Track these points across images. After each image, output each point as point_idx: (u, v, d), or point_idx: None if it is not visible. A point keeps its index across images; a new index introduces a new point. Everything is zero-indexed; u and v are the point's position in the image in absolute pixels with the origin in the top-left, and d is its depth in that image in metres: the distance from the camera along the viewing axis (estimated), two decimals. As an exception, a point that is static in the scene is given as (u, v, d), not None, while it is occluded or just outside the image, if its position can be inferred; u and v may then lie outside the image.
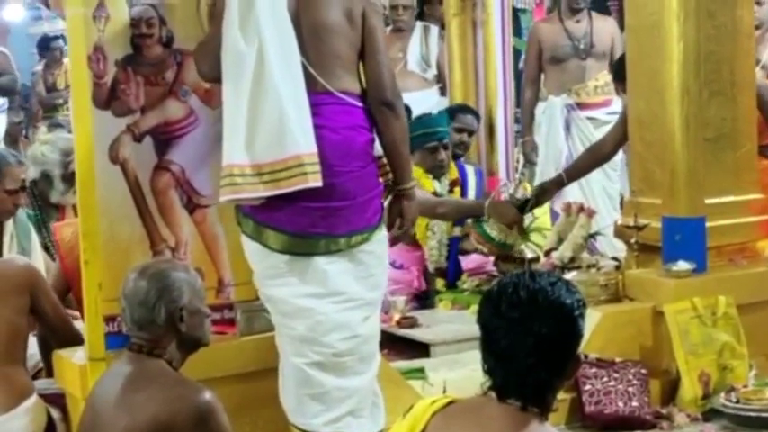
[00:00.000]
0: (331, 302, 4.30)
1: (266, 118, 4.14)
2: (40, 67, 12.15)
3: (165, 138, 4.57)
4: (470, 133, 6.95)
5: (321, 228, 4.25)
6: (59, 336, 4.70)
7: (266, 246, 4.29)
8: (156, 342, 3.33)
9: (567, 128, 7.38)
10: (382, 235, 4.44)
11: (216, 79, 4.31)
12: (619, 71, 6.28)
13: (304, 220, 4.24)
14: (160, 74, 4.54)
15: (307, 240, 4.26)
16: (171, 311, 3.34)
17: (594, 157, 6.37)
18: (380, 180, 4.46)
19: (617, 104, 7.38)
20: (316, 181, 4.15)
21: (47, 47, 11.99)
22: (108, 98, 4.47)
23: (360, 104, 4.34)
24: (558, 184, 6.33)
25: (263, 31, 4.15)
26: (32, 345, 4.78)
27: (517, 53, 10.42)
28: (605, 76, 7.41)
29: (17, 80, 11.18)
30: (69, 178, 5.42)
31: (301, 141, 4.14)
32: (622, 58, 6.18)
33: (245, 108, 4.16)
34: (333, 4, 4.31)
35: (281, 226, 4.25)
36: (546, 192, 6.26)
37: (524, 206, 5.94)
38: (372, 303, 4.44)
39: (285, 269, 4.29)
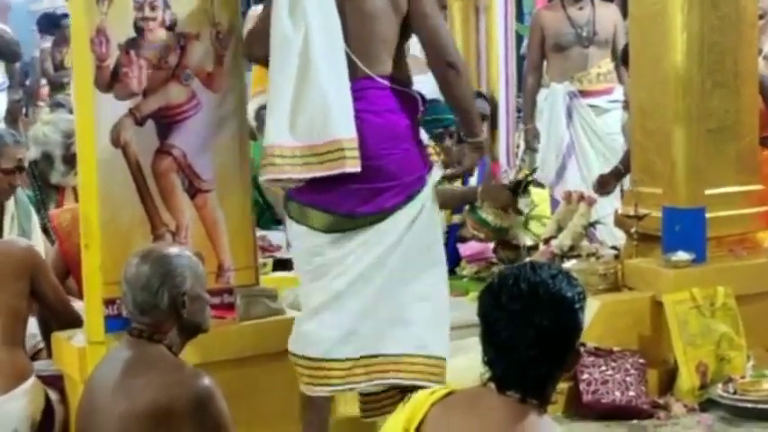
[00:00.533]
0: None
1: (309, 103, 4.28)
2: (48, 45, 12.11)
3: (166, 121, 4.56)
4: (482, 117, 6.91)
5: (368, 207, 4.36)
6: (59, 318, 4.71)
7: (311, 227, 4.40)
8: (157, 327, 3.33)
9: (569, 115, 7.37)
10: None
11: (264, 60, 4.44)
12: (626, 57, 6.28)
13: (350, 201, 4.35)
14: (163, 57, 4.54)
15: (353, 219, 4.37)
16: (173, 297, 3.34)
17: None
18: (426, 163, 4.57)
19: (619, 92, 7.38)
20: (354, 166, 4.27)
21: (56, 24, 11.93)
22: (110, 81, 4.46)
23: (401, 89, 4.45)
24: (616, 175, 6.39)
25: (310, 19, 4.29)
26: (31, 325, 4.78)
27: (520, 38, 10.40)
28: (608, 64, 7.40)
29: (19, 43, 11.12)
30: (70, 160, 5.41)
31: (342, 126, 4.27)
32: (627, 47, 6.18)
33: (289, 92, 4.29)
34: None
35: (327, 206, 4.37)
36: (604, 182, 6.36)
37: (517, 188, 5.92)
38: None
39: (327, 248, 4.40)
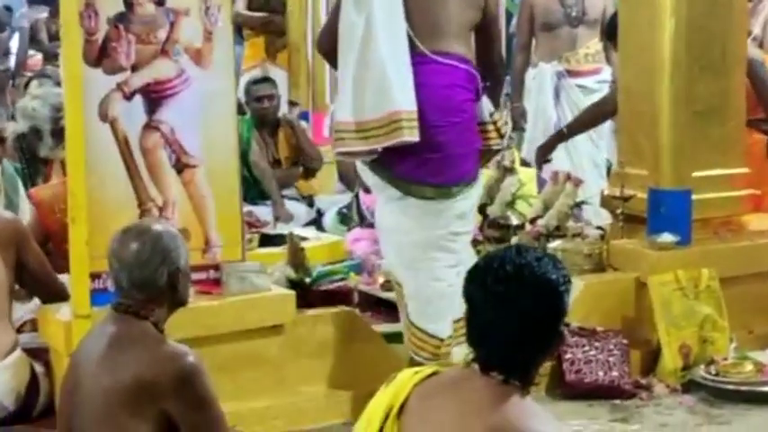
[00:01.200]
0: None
1: (370, 81, 4.62)
2: (43, 15, 12.06)
3: (155, 97, 4.56)
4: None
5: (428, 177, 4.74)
6: (45, 290, 4.71)
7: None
8: (148, 303, 3.34)
9: (557, 95, 7.37)
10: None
11: (332, 55, 4.77)
12: (610, 31, 6.31)
13: (420, 171, 4.73)
14: (152, 32, 4.54)
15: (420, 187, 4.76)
16: (171, 273, 3.35)
17: (598, 113, 6.43)
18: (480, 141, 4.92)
19: (607, 73, 7.37)
20: (412, 136, 4.60)
21: None
22: (99, 55, 4.46)
23: (462, 66, 4.78)
24: (559, 136, 6.54)
25: (373, 3, 4.60)
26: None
27: (509, 16, 10.40)
28: (596, 45, 7.40)
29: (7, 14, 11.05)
30: (59, 134, 5.39)
31: (400, 99, 4.60)
32: (614, 18, 6.19)
33: (351, 72, 4.65)
34: None
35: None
36: (545, 147, 6.53)
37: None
38: None
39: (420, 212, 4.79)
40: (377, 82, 4.59)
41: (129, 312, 3.34)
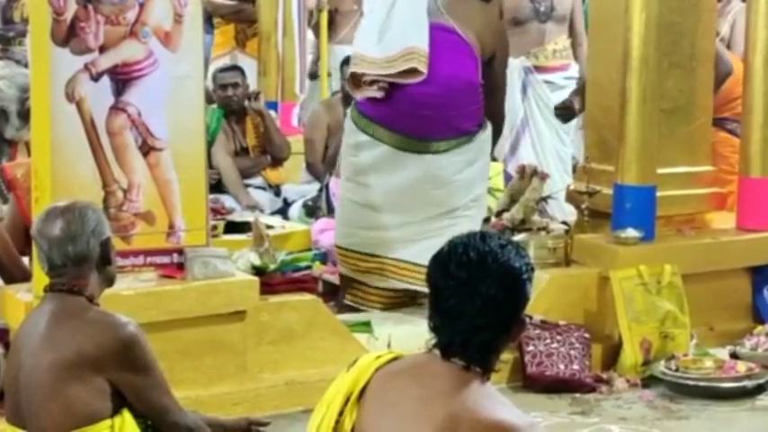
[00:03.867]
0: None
1: (391, 30, 5.43)
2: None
3: (122, 78, 4.55)
4: None
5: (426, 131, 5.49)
6: (7, 271, 4.68)
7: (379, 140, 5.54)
8: (80, 279, 3.35)
9: (524, 90, 7.37)
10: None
11: None
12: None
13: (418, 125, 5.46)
14: (121, 13, 4.52)
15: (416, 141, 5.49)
16: (102, 244, 3.37)
17: None
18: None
19: (574, 69, 7.38)
20: (422, 66, 5.33)
21: None
22: (67, 35, 4.44)
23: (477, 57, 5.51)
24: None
25: None
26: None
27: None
28: (564, 41, 7.40)
29: None
30: (25, 115, 5.35)
31: (415, 39, 5.37)
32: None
33: (380, 20, 5.48)
34: None
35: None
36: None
37: None
38: None
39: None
40: (398, 33, 5.40)
41: (64, 290, 3.34)
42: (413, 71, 5.35)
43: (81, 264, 3.34)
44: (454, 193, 5.58)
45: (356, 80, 5.55)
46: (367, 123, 5.56)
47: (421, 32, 5.39)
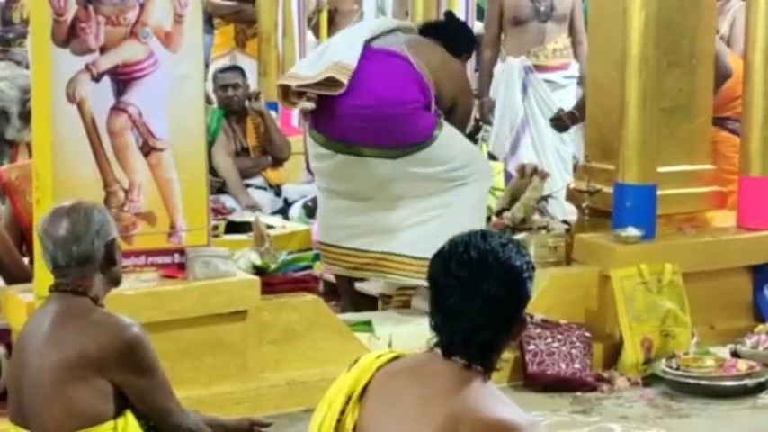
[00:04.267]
0: None
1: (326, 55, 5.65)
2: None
3: (123, 79, 4.55)
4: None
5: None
6: (7, 271, 4.69)
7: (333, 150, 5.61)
8: (85, 280, 3.35)
9: (524, 89, 7.38)
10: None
11: None
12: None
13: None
14: (122, 14, 4.52)
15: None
16: (107, 245, 3.37)
17: None
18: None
19: (574, 68, 7.40)
20: (343, 77, 5.45)
21: None
22: (67, 36, 4.45)
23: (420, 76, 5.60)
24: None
25: None
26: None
27: (480, 10, 10.38)
28: (564, 40, 7.41)
29: None
30: (26, 116, 5.35)
31: (344, 55, 5.55)
32: None
33: (323, 45, 5.97)
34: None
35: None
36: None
37: None
38: None
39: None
40: (334, 49, 5.66)
41: (68, 291, 3.35)
42: (334, 82, 5.46)
43: (85, 264, 3.35)
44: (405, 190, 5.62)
45: (285, 92, 5.69)
46: (317, 136, 5.67)
47: (352, 51, 5.56)
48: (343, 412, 2.81)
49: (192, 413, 3.49)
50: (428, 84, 5.59)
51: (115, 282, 3.47)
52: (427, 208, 5.59)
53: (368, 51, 5.66)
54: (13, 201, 4.97)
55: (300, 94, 5.59)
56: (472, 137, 7.22)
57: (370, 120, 5.48)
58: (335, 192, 5.78)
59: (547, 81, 7.33)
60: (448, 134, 5.61)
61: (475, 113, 7.83)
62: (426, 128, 5.56)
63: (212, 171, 7.41)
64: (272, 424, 3.83)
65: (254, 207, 7.21)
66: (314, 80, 5.50)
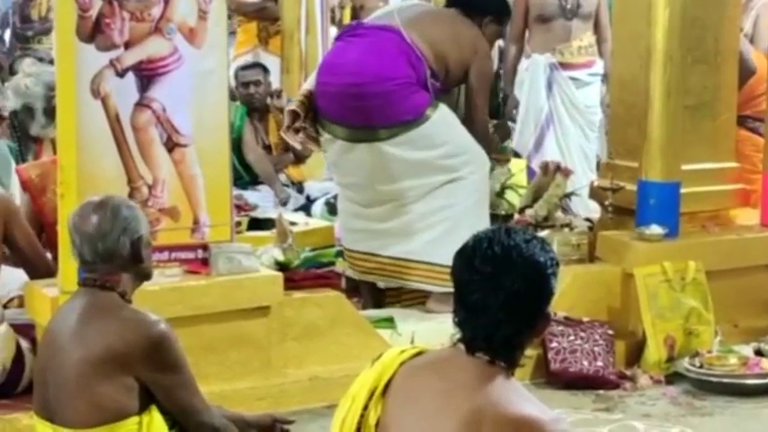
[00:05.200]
0: None
1: None
2: None
3: (147, 74, 4.56)
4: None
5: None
6: (32, 266, 4.71)
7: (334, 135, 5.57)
8: (113, 275, 3.36)
9: (549, 87, 7.36)
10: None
11: None
12: None
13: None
14: (146, 10, 4.53)
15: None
16: (133, 242, 3.38)
17: None
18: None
19: (599, 66, 7.38)
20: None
21: None
22: (92, 32, 4.46)
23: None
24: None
25: None
26: (4, 275, 4.77)
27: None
28: (590, 37, 7.40)
29: None
30: (51, 112, 5.38)
31: None
32: None
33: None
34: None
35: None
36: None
37: None
38: None
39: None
40: None
41: (96, 285, 3.36)
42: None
43: (110, 261, 3.36)
44: (401, 180, 5.55)
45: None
46: (322, 122, 5.61)
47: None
48: (366, 408, 2.82)
49: (215, 408, 3.50)
50: (422, 58, 5.48)
51: (145, 277, 3.48)
52: (429, 211, 5.51)
53: (360, 28, 5.71)
54: (33, 198, 4.99)
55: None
56: (497, 110, 7.12)
57: (362, 98, 5.41)
58: (343, 185, 5.81)
59: (572, 78, 7.32)
60: (442, 116, 5.51)
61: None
62: (418, 105, 5.46)
63: (246, 166, 7.47)
64: (295, 421, 3.83)
65: (286, 201, 7.27)
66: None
